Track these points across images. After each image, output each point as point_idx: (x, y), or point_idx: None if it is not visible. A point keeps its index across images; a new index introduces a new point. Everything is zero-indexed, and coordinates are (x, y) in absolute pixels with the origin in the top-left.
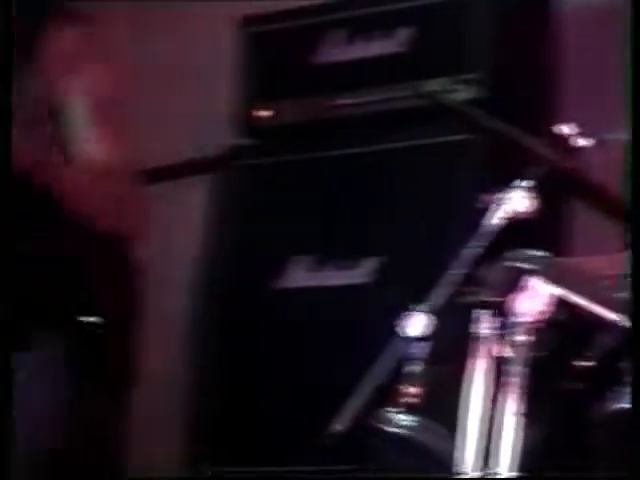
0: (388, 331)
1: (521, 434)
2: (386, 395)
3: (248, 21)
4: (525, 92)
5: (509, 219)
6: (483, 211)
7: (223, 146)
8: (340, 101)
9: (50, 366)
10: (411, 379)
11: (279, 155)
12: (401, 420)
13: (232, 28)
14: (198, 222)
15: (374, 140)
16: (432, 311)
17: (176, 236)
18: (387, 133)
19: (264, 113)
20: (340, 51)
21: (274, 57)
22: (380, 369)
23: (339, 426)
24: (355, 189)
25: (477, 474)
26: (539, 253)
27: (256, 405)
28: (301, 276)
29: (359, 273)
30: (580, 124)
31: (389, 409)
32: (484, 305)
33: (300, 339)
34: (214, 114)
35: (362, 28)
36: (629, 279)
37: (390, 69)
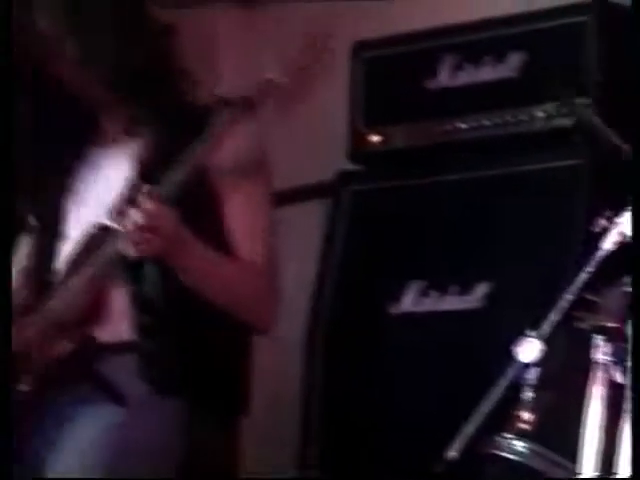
0: (502, 356)
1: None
2: (500, 421)
3: (360, 46)
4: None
5: (624, 243)
6: (597, 235)
7: (334, 171)
8: (451, 126)
9: (154, 401)
10: (525, 405)
11: (389, 181)
12: (515, 446)
13: (345, 52)
14: (312, 246)
15: (485, 165)
16: (546, 336)
17: (290, 260)
18: (499, 158)
19: (375, 138)
20: (451, 76)
21: (385, 82)
22: (494, 394)
23: (453, 452)
24: (467, 214)
25: None
26: None
27: (368, 431)
28: (413, 301)
29: (472, 298)
30: None
31: (503, 435)
32: (600, 330)
33: (413, 364)
34: (325, 139)
35: (473, 53)
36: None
37: (501, 94)
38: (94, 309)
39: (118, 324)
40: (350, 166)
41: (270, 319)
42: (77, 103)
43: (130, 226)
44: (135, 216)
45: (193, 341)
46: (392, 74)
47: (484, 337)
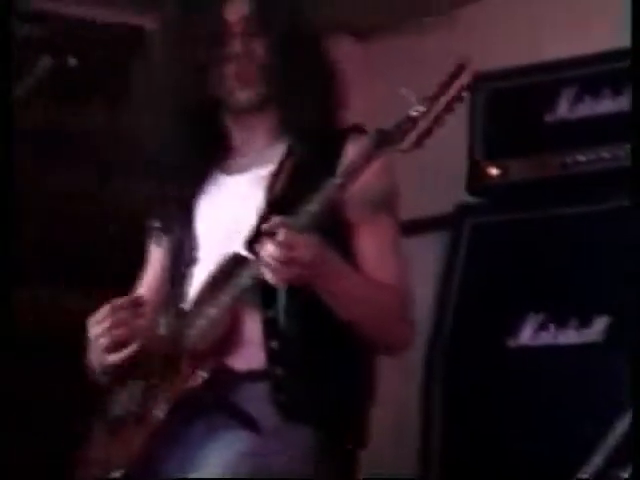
0: (621, 390)
1: None
2: (626, 451)
3: (480, 78)
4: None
5: None
6: None
7: (453, 204)
8: (569, 159)
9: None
10: None
11: (508, 213)
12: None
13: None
14: (430, 278)
15: (604, 198)
16: None
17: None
18: (617, 191)
19: (493, 171)
20: (570, 108)
21: (504, 114)
22: (617, 426)
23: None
24: (585, 247)
25: None
26: None
27: (486, 463)
28: (531, 334)
29: (591, 331)
30: None
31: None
32: None
33: (529, 397)
34: (445, 171)
35: (592, 85)
36: None
37: (620, 126)
38: (228, 338)
39: (251, 352)
40: (469, 198)
41: (409, 338)
42: (211, 124)
43: (268, 258)
44: (272, 249)
45: (322, 369)
46: (511, 106)
47: (603, 371)
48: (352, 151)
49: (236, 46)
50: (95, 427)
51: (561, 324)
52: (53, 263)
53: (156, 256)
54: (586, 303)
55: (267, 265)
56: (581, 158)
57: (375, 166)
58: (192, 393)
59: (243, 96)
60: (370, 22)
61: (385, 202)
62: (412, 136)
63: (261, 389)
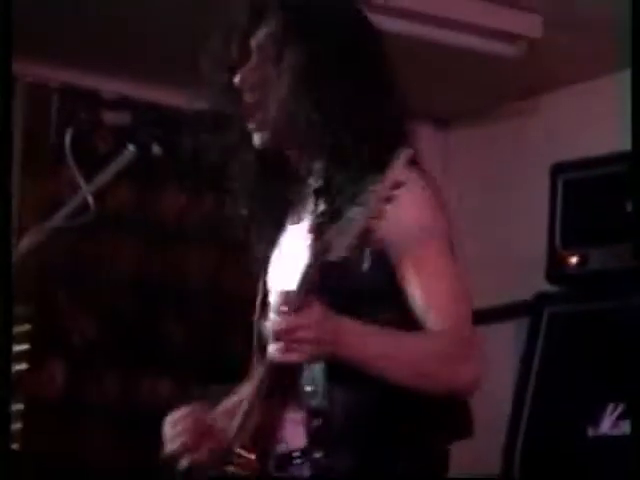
0: None
1: None
2: None
3: (559, 167)
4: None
5: None
6: None
7: (532, 292)
8: None
9: None
10: None
11: (587, 303)
12: None
13: (543, 174)
14: (508, 366)
15: None
16: None
17: (486, 380)
18: None
19: (573, 259)
20: None
21: (583, 203)
22: None
23: None
24: None
25: None
26: None
27: None
28: (611, 424)
29: None
30: None
31: None
32: None
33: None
34: (525, 258)
35: None
36: None
37: None
38: (270, 420)
39: (293, 432)
40: (548, 287)
41: (471, 377)
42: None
43: (274, 345)
44: (275, 325)
45: (367, 447)
46: (590, 196)
47: None
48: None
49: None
50: None
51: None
52: None
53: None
54: None
55: (276, 350)
56: None
57: (405, 199)
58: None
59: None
60: (451, 109)
61: (423, 235)
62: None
63: (303, 469)
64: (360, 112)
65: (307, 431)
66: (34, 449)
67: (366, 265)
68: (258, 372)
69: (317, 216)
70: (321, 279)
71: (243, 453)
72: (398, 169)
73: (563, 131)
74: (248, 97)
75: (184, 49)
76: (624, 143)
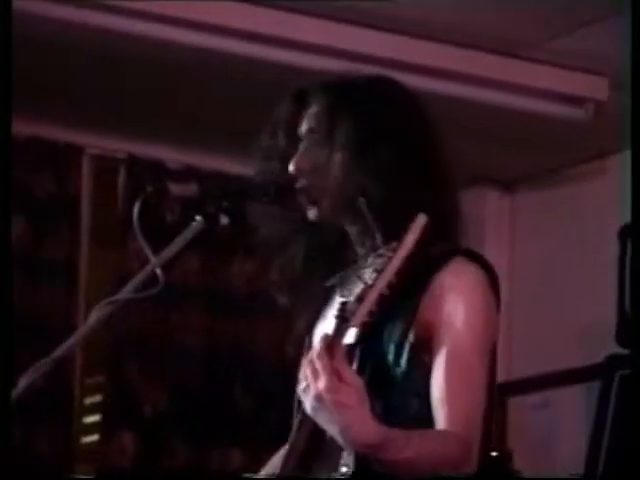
0: None
1: None
2: None
3: (628, 229)
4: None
5: None
6: None
7: (603, 355)
8: None
9: None
10: None
11: None
12: None
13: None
14: (580, 429)
15: None
16: None
17: (560, 441)
18: None
19: None
20: None
21: None
22: None
23: None
24: None
25: None
26: None
27: None
28: None
29: None
30: None
31: None
32: None
33: None
34: (596, 322)
35: None
36: None
37: None
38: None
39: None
40: (619, 350)
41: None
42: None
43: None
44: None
45: None
46: None
47: None
48: (442, 278)
49: (294, 159)
50: None
51: None
52: None
53: None
54: None
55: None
56: None
57: (462, 291)
58: None
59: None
60: (518, 172)
61: (469, 330)
62: (360, 314)
63: None
64: (406, 184)
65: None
66: None
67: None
68: (291, 437)
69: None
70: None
71: None
72: (460, 261)
73: (630, 193)
74: (303, 181)
75: (247, 117)
76: None
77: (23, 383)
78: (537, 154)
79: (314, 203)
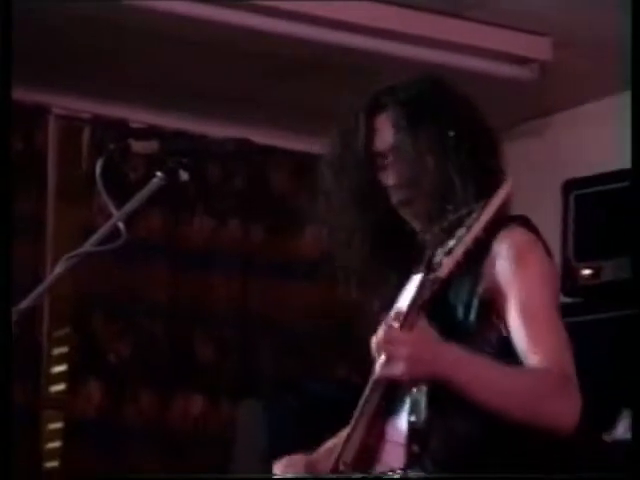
0: None
1: None
2: None
3: (571, 184)
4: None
5: None
6: None
7: None
8: None
9: None
10: None
11: (603, 312)
12: None
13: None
14: None
15: None
16: None
17: None
18: None
19: (586, 272)
20: None
21: (594, 218)
22: None
23: None
24: None
25: None
26: None
27: None
28: (625, 429)
29: None
30: None
31: None
32: None
33: None
34: None
35: None
36: None
37: None
38: (374, 440)
39: (395, 452)
40: (563, 299)
41: (570, 417)
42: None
43: (382, 356)
44: (378, 336)
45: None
46: (601, 210)
47: None
48: (504, 246)
49: (394, 175)
50: None
51: None
52: None
53: None
54: None
55: (378, 364)
56: None
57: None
58: None
59: (412, 222)
60: None
61: (520, 260)
62: (448, 264)
63: None
64: (474, 168)
65: (406, 455)
66: (73, 466)
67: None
68: (364, 392)
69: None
70: (427, 302)
71: (345, 470)
72: (520, 231)
73: (573, 149)
74: (402, 193)
75: (208, 80)
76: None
77: None
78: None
79: (409, 204)
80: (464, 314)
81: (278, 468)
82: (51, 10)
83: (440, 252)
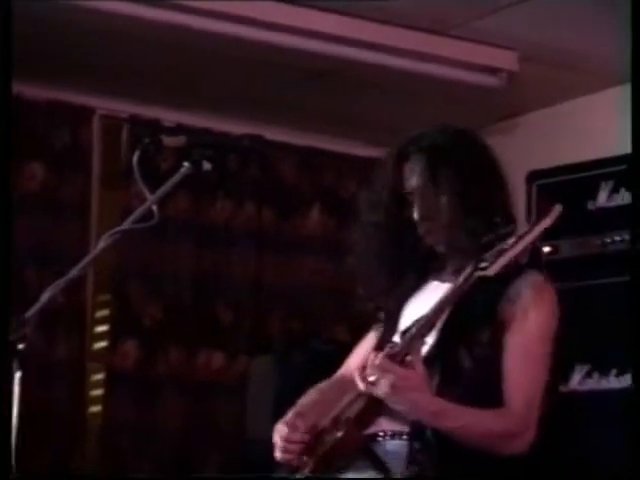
0: None
1: None
2: None
3: (534, 174)
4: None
5: None
6: None
7: None
8: (609, 239)
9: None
10: None
11: (561, 283)
12: None
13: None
14: None
15: None
16: None
17: None
18: None
19: (547, 249)
20: (608, 199)
21: (554, 203)
22: None
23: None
24: (623, 310)
25: None
26: None
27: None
28: (579, 381)
29: (627, 378)
30: None
31: None
32: None
33: (581, 430)
34: None
35: (622, 183)
36: None
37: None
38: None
39: (397, 419)
40: None
41: (522, 449)
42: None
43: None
44: (370, 367)
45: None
46: (561, 196)
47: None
48: (519, 287)
49: (418, 211)
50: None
51: (603, 372)
52: None
53: (370, 342)
54: (624, 356)
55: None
56: (617, 238)
57: (529, 282)
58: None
59: (431, 243)
60: None
61: (534, 303)
62: (500, 263)
63: (397, 447)
64: (488, 210)
65: (411, 425)
66: (112, 410)
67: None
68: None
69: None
70: (464, 294)
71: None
72: (534, 274)
73: (536, 145)
74: (425, 225)
75: (228, 85)
76: (587, 155)
77: (45, 297)
78: (460, 114)
79: (430, 234)
80: (477, 332)
81: (278, 431)
82: (100, 29)
83: (489, 256)
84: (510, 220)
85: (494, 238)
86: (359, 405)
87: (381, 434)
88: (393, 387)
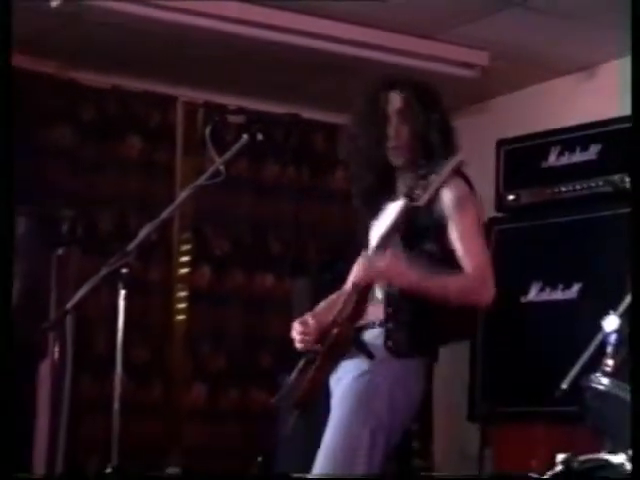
0: (593, 328)
1: None
2: (594, 366)
3: (502, 141)
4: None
5: None
6: None
7: (487, 217)
8: (557, 189)
9: (390, 359)
10: (610, 356)
11: (521, 223)
12: (602, 381)
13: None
14: None
15: (580, 212)
16: (621, 314)
17: None
18: (588, 208)
19: (510, 197)
20: (557, 159)
21: (517, 163)
22: (589, 350)
23: (564, 385)
24: (568, 240)
25: None
26: None
27: (511, 372)
28: (535, 294)
29: (571, 292)
30: None
31: (596, 374)
32: None
33: (537, 332)
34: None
35: (570, 145)
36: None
37: (587, 170)
38: (365, 303)
39: (376, 310)
40: (496, 214)
41: (484, 300)
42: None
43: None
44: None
45: (418, 326)
46: (522, 158)
47: (580, 317)
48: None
49: (391, 130)
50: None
51: (553, 287)
52: None
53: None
54: (568, 273)
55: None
56: (563, 189)
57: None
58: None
59: (396, 161)
60: None
61: (462, 206)
62: (428, 193)
63: (378, 333)
64: (446, 133)
65: (385, 313)
66: (193, 320)
67: (429, 218)
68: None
69: (411, 184)
70: (407, 220)
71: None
72: (459, 181)
73: (503, 121)
74: (395, 142)
75: (274, 75)
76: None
77: (143, 234)
78: (444, 98)
79: (398, 150)
80: (426, 235)
81: (297, 324)
82: (180, 38)
83: (419, 188)
84: (451, 153)
85: (430, 170)
86: (351, 303)
87: (364, 324)
88: (387, 265)
